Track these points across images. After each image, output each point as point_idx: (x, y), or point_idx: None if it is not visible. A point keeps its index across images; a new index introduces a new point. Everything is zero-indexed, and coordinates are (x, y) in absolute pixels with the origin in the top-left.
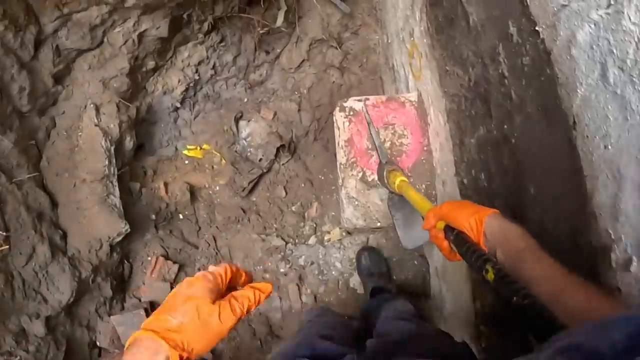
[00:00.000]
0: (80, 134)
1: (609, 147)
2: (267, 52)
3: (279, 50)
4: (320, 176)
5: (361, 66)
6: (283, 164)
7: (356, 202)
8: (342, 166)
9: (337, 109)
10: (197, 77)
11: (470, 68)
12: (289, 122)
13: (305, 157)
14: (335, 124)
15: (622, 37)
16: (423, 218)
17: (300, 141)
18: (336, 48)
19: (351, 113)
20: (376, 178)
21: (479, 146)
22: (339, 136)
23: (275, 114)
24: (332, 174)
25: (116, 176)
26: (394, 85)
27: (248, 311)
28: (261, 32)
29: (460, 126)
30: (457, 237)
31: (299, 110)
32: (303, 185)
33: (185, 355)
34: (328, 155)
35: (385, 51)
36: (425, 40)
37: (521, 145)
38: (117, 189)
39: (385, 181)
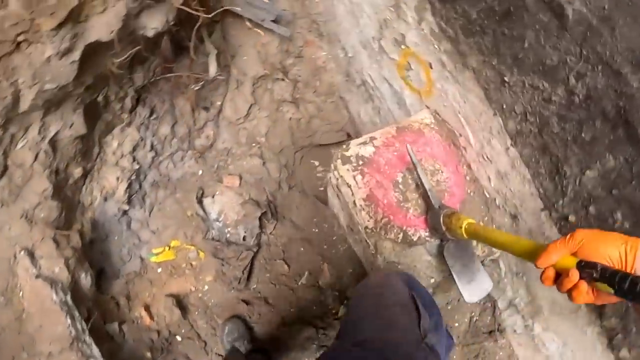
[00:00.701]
0: (21, 294)
1: None
2: (207, 109)
3: (219, 103)
4: (314, 229)
5: (315, 91)
6: (271, 233)
7: (399, 266)
8: (369, 231)
9: (339, 161)
10: (137, 166)
11: (566, 76)
12: (258, 181)
13: (289, 214)
14: (338, 182)
15: None
16: (528, 259)
17: (277, 198)
18: (283, 79)
19: (360, 162)
20: (422, 235)
21: (605, 179)
22: (352, 195)
23: (240, 177)
24: (325, 221)
25: (87, 331)
26: (370, 105)
27: None
28: (195, 88)
29: (549, 152)
30: (608, 273)
31: (263, 163)
32: (302, 248)
33: None
34: (310, 201)
35: (346, 67)
36: (437, 47)
37: None
38: (94, 347)
39: (444, 228)
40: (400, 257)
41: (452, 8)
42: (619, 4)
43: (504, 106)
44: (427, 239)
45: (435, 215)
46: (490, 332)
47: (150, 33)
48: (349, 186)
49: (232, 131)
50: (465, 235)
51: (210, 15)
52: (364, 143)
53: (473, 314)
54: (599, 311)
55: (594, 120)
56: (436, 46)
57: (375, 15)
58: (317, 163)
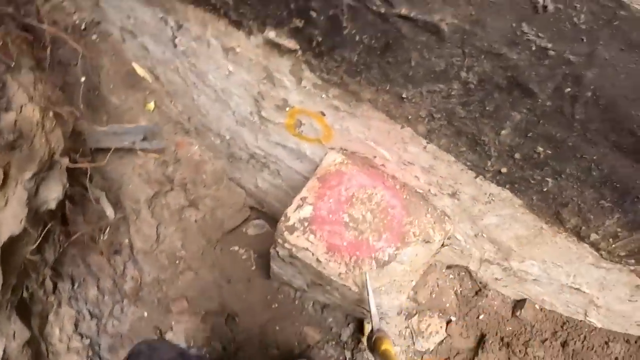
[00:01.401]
0: None
1: None
2: (119, 252)
3: (127, 240)
4: (274, 305)
5: (205, 185)
6: (240, 331)
7: (383, 287)
8: (343, 275)
9: (285, 233)
10: (87, 341)
11: (457, 73)
12: (201, 291)
13: (243, 305)
14: (292, 251)
15: None
16: None
17: (225, 297)
18: (172, 189)
19: (306, 224)
20: (390, 251)
21: (518, 129)
22: (313, 254)
23: (185, 298)
24: (278, 293)
25: None
26: (266, 171)
27: None
28: (102, 238)
29: (463, 132)
30: None
31: (195, 273)
32: (277, 327)
33: None
34: (258, 283)
35: (226, 150)
36: (325, 96)
37: None
38: None
39: (372, 347)
40: (381, 279)
41: (330, 59)
42: (483, 6)
43: (409, 117)
44: (396, 251)
45: (370, 335)
46: (477, 292)
47: (52, 205)
48: (306, 249)
49: (152, 260)
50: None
51: (98, 164)
52: (300, 206)
53: (455, 288)
54: (558, 220)
55: (492, 94)
56: (324, 96)
57: (247, 92)
58: (236, 247)
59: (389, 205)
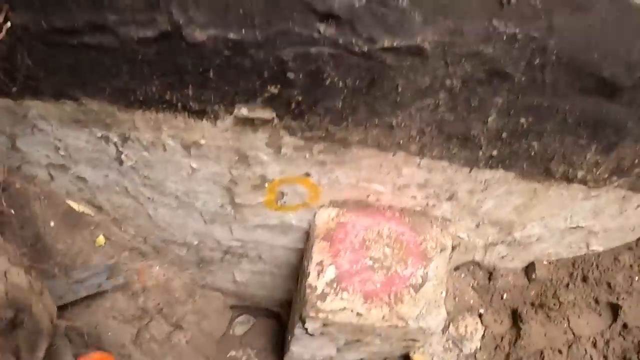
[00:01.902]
0: None
1: None
2: None
3: None
4: None
5: (180, 303)
6: None
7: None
8: (386, 317)
9: (317, 302)
10: None
11: (441, 84)
12: None
13: None
14: (327, 317)
15: None
16: None
17: None
18: (150, 320)
19: (335, 284)
20: (421, 274)
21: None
22: (352, 310)
23: None
24: None
25: None
26: (245, 260)
27: None
28: None
29: (454, 135)
30: None
31: None
32: None
33: None
34: None
35: (195, 256)
36: (310, 154)
37: None
38: None
39: None
40: (419, 303)
41: (312, 115)
42: (459, 16)
43: (401, 141)
44: (425, 270)
45: None
46: (490, 277)
47: None
48: (343, 309)
49: None
50: None
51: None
52: (320, 271)
53: (470, 284)
54: (548, 175)
55: (475, 89)
56: (307, 155)
57: (217, 184)
58: (234, 353)
59: (399, 234)
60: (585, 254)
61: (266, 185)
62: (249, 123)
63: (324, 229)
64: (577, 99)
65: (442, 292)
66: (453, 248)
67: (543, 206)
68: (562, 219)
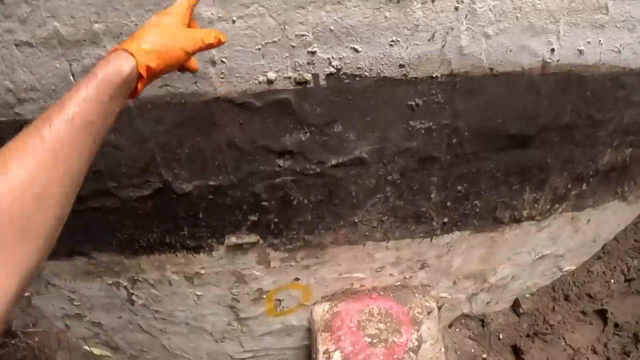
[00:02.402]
0: None
1: None
2: None
3: None
4: None
5: None
6: None
7: None
8: None
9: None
10: None
11: None
12: None
13: None
14: None
15: None
16: None
17: None
18: None
19: None
20: (415, 338)
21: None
22: None
23: None
24: None
25: None
26: None
27: (208, 47)
28: None
29: (406, 217)
30: None
31: None
32: None
33: (149, 68)
34: None
35: None
36: (296, 260)
37: None
38: None
39: None
40: None
41: (289, 231)
42: (383, 128)
43: (366, 233)
44: (418, 333)
45: None
46: (482, 324)
47: None
48: None
49: None
50: None
51: None
52: (328, 359)
53: (467, 334)
54: (498, 222)
55: (413, 176)
56: (293, 263)
57: (221, 305)
58: None
59: (387, 308)
60: (561, 276)
61: (264, 296)
62: (240, 248)
63: (322, 321)
64: (498, 157)
65: (440, 349)
66: (439, 308)
67: (505, 249)
68: (526, 254)
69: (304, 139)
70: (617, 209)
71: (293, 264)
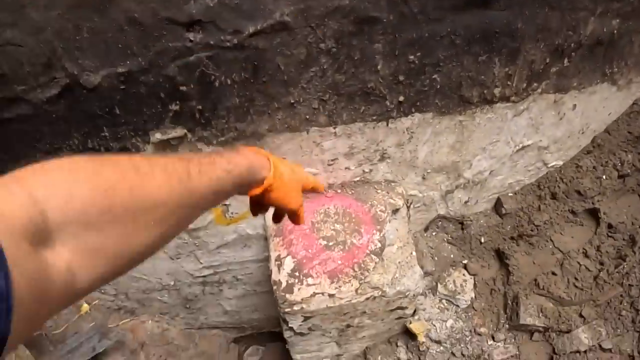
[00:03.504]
0: None
1: None
2: None
3: None
4: None
5: (183, 349)
6: None
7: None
8: (360, 290)
9: (286, 295)
10: None
11: None
12: None
13: None
14: (302, 311)
15: None
16: None
17: None
18: None
19: (297, 273)
20: (377, 239)
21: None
22: (323, 294)
23: None
24: None
25: None
26: (226, 287)
27: (312, 189)
28: None
29: (352, 95)
30: None
31: None
32: None
33: (269, 191)
34: None
35: (178, 297)
36: None
37: None
38: None
39: None
40: (388, 268)
41: (218, 119)
42: None
43: (307, 117)
44: (380, 234)
45: None
46: (462, 226)
47: None
48: (314, 294)
49: None
50: None
51: None
52: (280, 266)
53: (445, 238)
54: (466, 102)
55: (351, 42)
56: None
57: None
58: None
59: (345, 207)
60: (547, 173)
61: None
62: (168, 145)
63: (274, 226)
64: (454, 18)
65: (411, 252)
66: (408, 207)
67: (478, 136)
68: (504, 144)
69: (211, 4)
70: (606, 94)
71: None
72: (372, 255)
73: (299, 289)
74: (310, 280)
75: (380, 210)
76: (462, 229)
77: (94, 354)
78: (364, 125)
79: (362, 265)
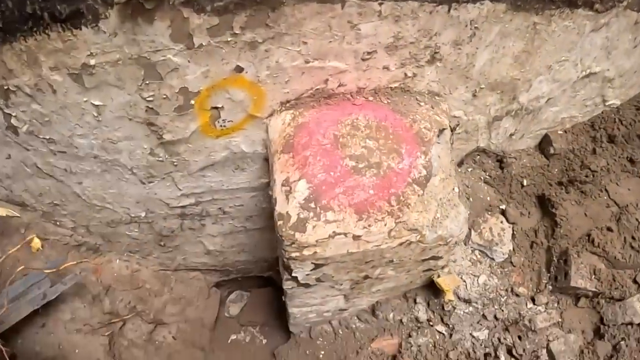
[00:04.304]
0: None
1: None
2: None
3: None
4: (320, 354)
5: (155, 294)
6: None
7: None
8: (394, 232)
9: (295, 236)
10: None
11: None
12: None
13: None
14: (315, 257)
15: None
16: None
17: None
18: (123, 323)
19: (312, 204)
20: (422, 163)
21: None
22: (347, 235)
23: None
24: (315, 340)
25: None
26: (210, 221)
27: None
28: None
29: None
30: None
31: None
32: None
33: None
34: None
35: (150, 232)
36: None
37: None
38: None
39: None
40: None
41: None
42: None
43: None
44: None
45: None
46: (501, 164)
47: None
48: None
49: None
50: None
51: None
52: (288, 192)
53: (482, 177)
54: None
55: None
56: (230, 38)
57: (133, 122)
58: (235, 337)
59: (379, 119)
60: (603, 112)
61: (193, 102)
62: (139, 11)
63: (281, 140)
64: None
65: (453, 188)
66: (452, 129)
67: (548, 49)
68: (571, 66)
69: None
70: None
71: (230, 39)
72: (415, 186)
73: (313, 227)
74: (330, 215)
75: (425, 128)
76: (502, 167)
77: (45, 302)
78: (419, 7)
79: (402, 198)
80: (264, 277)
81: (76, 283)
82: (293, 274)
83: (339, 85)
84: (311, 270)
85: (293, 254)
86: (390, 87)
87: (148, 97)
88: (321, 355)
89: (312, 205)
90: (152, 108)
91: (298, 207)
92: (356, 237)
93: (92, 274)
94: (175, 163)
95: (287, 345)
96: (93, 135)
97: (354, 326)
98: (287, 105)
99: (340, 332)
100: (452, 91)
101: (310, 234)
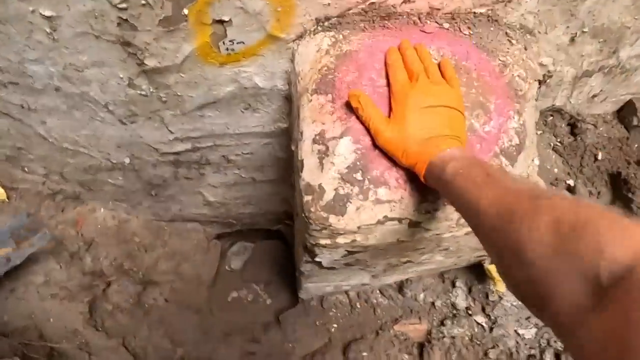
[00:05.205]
0: None
1: None
2: None
3: None
4: (332, 328)
5: (145, 249)
6: None
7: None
8: None
9: (330, 219)
10: None
11: None
12: None
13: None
14: (353, 244)
15: None
16: None
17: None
18: (108, 285)
19: (359, 175)
20: (515, 127)
21: None
22: (403, 220)
23: None
24: (328, 310)
25: None
26: (210, 170)
27: None
28: None
29: None
30: None
31: None
32: None
33: None
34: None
35: (137, 180)
36: None
37: None
38: None
39: None
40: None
41: None
42: None
43: None
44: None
45: None
46: (573, 131)
47: None
48: (385, 219)
49: None
50: None
51: None
52: (325, 154)
53: (552, 144)
54: None
55: None
56: None
57: (102, 41)
58: (236, 294)
59: (459, 57)
60: None
61: (186, 12)
62: None
63: (316, 73)
64: None
65: (533, 160)
66: (540, 83)
67: None
68: None
69: None
70: None
71: None
72: (502, 159)
73: (357, 209)
74: (382, 193)
75: (519, 77)
76: (574, 134)
77: (9, 268)
78: None
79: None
80: (271, 230)
81: (52, 239)
82: (317, 259)
83: (404, 2)
84: (342, 257)
85: (322, 241)
86: (474, 13)
87: (119, 2)
88: (333, 329)
89: (359, 176)
90: (126, 20)
91: (337, 177)
92: (416, 224)
93: (72, 227)
94: (163, 99)
95: (294, 310)
96: (49, 60)
97: (374, 301)
98: (326, 24)
99: (358, 306)
100: (549, 30)
101: (351, 217)
